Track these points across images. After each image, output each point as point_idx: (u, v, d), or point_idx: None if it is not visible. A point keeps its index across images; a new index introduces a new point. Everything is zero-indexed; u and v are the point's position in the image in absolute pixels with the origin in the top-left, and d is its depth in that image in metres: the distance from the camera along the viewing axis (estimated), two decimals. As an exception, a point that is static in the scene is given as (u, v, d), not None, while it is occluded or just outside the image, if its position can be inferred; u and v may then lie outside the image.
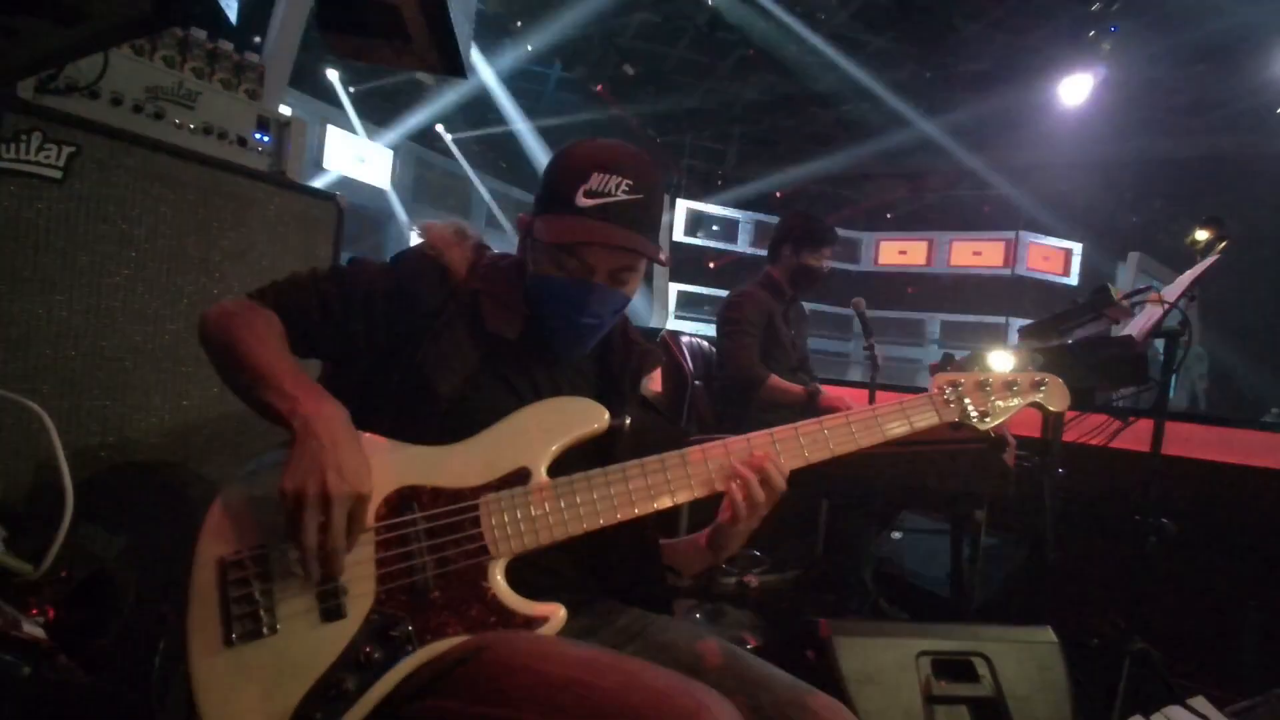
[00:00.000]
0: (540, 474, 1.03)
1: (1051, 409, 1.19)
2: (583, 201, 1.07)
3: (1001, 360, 1.20)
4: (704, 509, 1.10)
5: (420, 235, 1.18)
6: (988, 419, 1.15)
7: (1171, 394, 2.26)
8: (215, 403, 1.78)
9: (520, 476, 1.02)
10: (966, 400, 1.15)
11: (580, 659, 0.86)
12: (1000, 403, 1.16)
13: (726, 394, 2.94)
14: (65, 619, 1.24)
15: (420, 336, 1.10)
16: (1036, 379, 1.18)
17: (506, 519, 1.00)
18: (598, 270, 1.10)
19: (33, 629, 1.17)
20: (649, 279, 8.34)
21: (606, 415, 1.08)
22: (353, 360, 1.12)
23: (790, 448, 1.07)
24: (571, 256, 1.09)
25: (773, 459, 1.05)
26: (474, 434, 1.05)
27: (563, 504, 1.01)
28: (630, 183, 1.08)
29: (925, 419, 1.13)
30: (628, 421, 1.12)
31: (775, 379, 2.76)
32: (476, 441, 1.04)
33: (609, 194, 1.07)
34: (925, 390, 1.17)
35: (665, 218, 8.59)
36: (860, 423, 1.10)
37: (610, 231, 1.07)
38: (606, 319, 1.15)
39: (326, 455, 0.91)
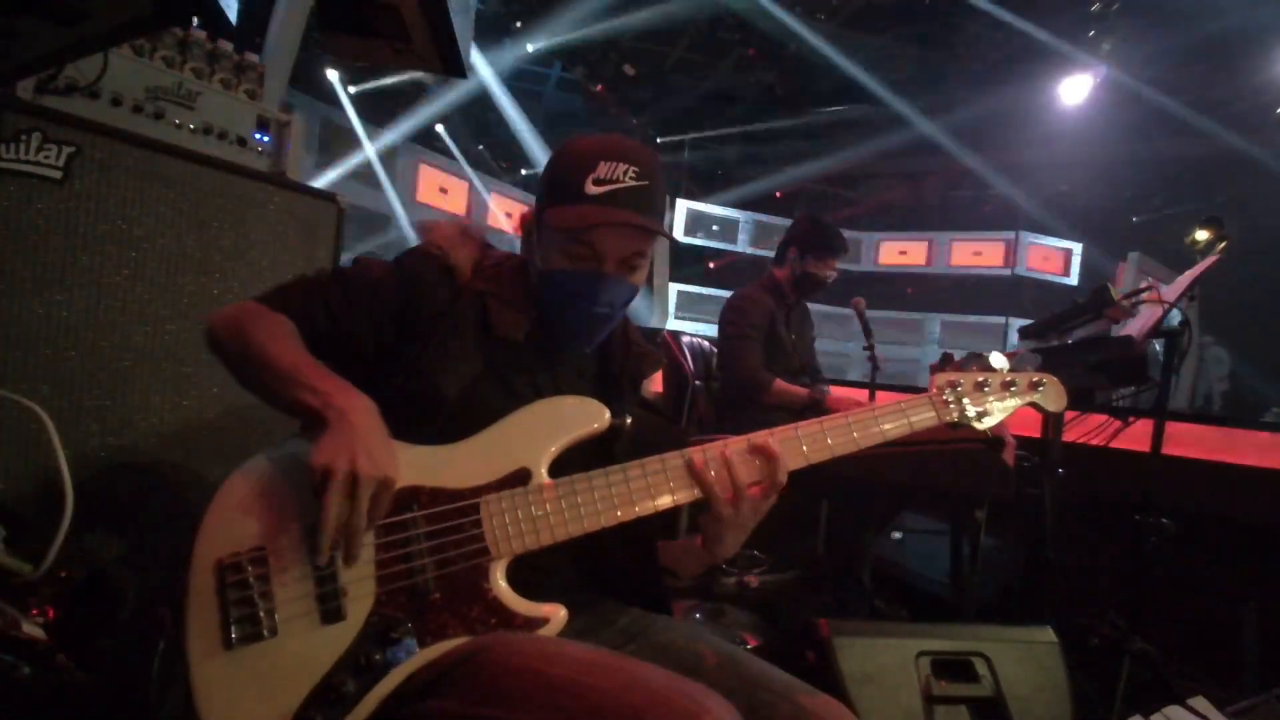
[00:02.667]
0: (541, 474, 1.03)
1: (1049, 409, 1.19)
2: (592, 189, 1.08)
3: (1000, 360, 1.20)
4: (704, 509, 1.10)
5: (422, 235, 1.17)
6: (986, 419, 1.16)
7: (1170, 394, 2.26)
8: (215, 403, 1.78)
9: (521, 476, 1.02)
10: (965, 400, 1.15)
11: (580, 660, 0.86)
12: (998, 403, 1.17)
13: (727, 395, 2.94)
14: (65, 619, 1.24)
15: (425, 338, 1.10)
16: (1035, 379, 1.18)
17: (507, 519, 1.00)
18: (608, 259, 1.11)
19: (32, 629, 1.17)
20: (649, 278, 8.35)
21: (607, 414, 1.08)
22: (358, 361, 1.12)
23: (791, 448, 1.07)
24: (582, 246, 1.10)
25: (777, 453, 1.05)
26: (475, 434, 1.05)
27: (564, 504, 1.01)
28: (636, 169, 1.09)
29: (924, 419, 1.13)
30: (628, 421, 1.12)
31: (780, 383, 2.75)
32: (477, 441, 1.04)
33: (617, 180, 1.08)
34: (925, 390, 1.17)
35: (665, 218, 8.59)
36: (860, 423, 1.10)
37: (622, 214, 1.08)
38: (618, 309, 1.16)
39: (359, 440, 0.92)
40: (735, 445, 1.06)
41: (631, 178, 1.09)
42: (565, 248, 1.11)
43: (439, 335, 1.10)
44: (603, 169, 1.08)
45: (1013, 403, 1.17)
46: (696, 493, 1.04)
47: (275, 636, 0.92)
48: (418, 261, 1.15)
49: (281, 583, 0.94)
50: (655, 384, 3.12)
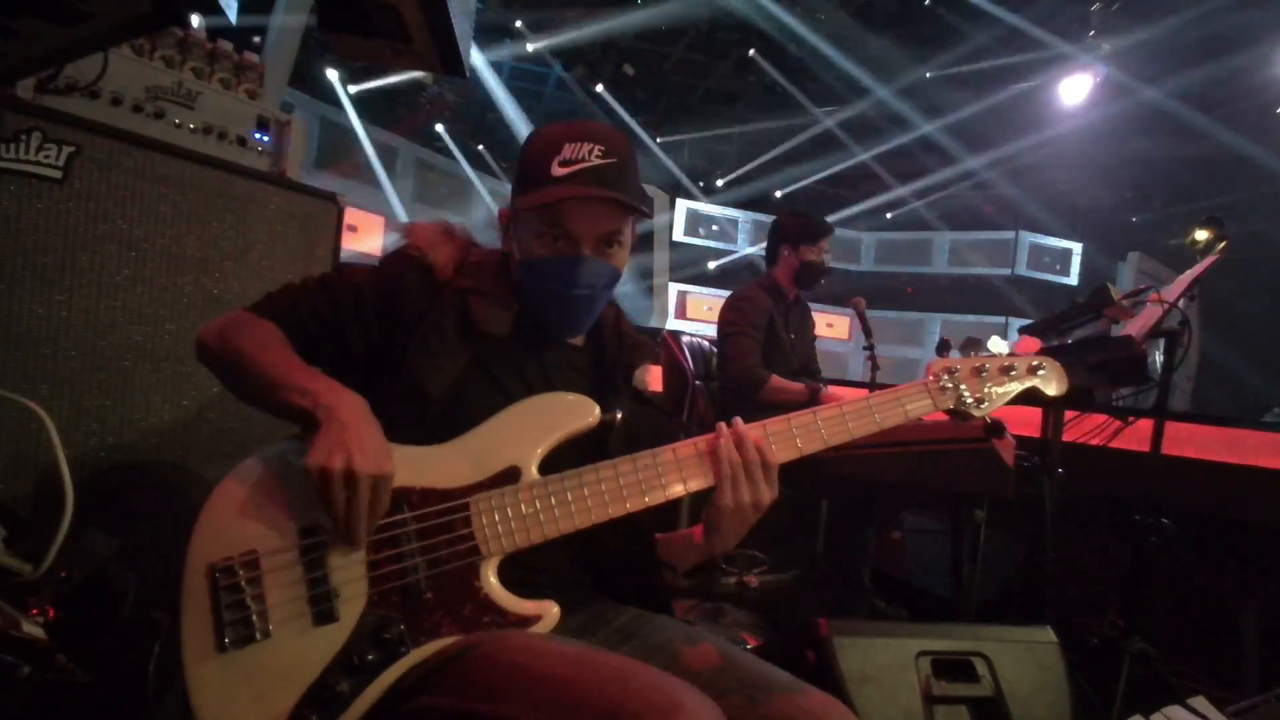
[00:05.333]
0: (531, 471, 1.02)
1: (1049, 393, 1.16)
2: (558, 170, 1.09)
3: (998, 345, 1.18)
4: (704, 503, 1.09)
5: (403, 237, 1.18)
6: (984, 405, 1.13)
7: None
8: (215, 403, 1.78)
9: (510, 475, 1.02)
10: (962, 386, 1.13)
11: (568, 656, 0.87)
12: (996, 389, 1.14)
13: (727, 394, 2.94)
14: (65, 619, 1.24)
15: (408, 338, 1.10)
16: (1034, 363, 1.16)
17: (497, 518, 1.00)
18: (584, 240, 1.11)
19: (32, 629, 1.17)
20: (648, 276, 8.34)
21: (597, 410, 1.08)
22: (349, 365, 1.12)
23: (784, 440, 1.06)
24: (556, 229, 1.10)
25: (763, 446, 1.04)
26: (465, 433, 1.05)
27: (554, 501, 1.01)
28: (602, 148, 1.10)
29: (920, 406, 1.11)
30: (619, 416, 1.12)
31: (777, 379, 2.76)
32: (467, 440, 1.04)
33: (583, 160, 1.09)
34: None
35: (665, 218, 8.59)
36: (854, 412, 1.09)
37: (589, 190, 1.08)
38: (599, 291, 1.15)
39: (351, 435, 0.93)
40: (726, 436, 1.06)
41: (598, 156, 1.09)
42: (539, 233, 1.11)
43: (421, 335, 1.10)
44: (568, 150, 1.09)
45: (1012, 387, 1.15)
46: (690, 486, 1.04)
47: (268, 638, 0.92)
48: (397, 263, 1.15)
49: (274, 585, 0.94)
50: (655, 383, 3.12)
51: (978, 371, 1.14)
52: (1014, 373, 1.15)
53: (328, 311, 1.12)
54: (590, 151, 1.09)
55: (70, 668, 1.18)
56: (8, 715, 1.10)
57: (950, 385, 1.13)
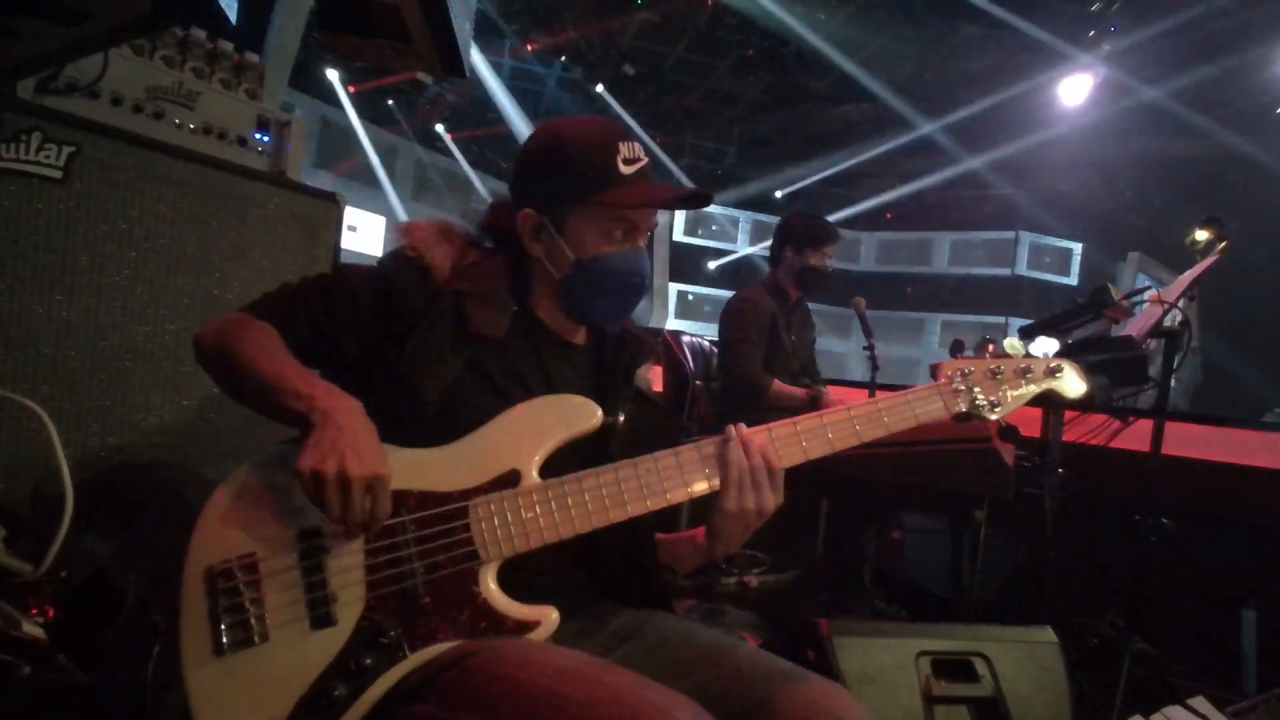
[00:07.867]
0: (531, 475, 1.01)
1: (1068, 396, 1.13)
2: (625, 169, 1.11)
3: (1014, 345, 1.16)
4: (705, 504, 1.08)
5: (401, 236, 1.16)
6: (998, 408, 1.10)
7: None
8: (215, 403, 1.78)
9: (510, 478, 1.01)
10: (976, 389, 1.10)
11: (561, 669, 0.85)
12: (1012, 391, 1.11)
13: (727, 394, 2.95)
14: (65, 619, 1.24)
15: (405, 340, 1.08)
16: (1052, 365, 1.13)
17: (496, 522, 0.99)
18: (642, 234, 1.15)
19: (32, 629, 1.17)
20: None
21: (599, 413, 1.07)
22: (345, 367, 1.12)
23: (789, 444, 1.05)
24: (625, 224, 1.13)
25: (768, 452, 1.03)
26: (463, 437, 1.04)
27: (554, 506, 1.00)
28: (642, 146, 1.14)
29: (931, 411, 1.08)
30: (621, 418, 1.11)
31: (778, 384, 2.76)
32: (467, 443, 1.03)
33: (639, 158, 1.12)
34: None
35: (664, 217, 8.60)
36: (863, 416, 1.07)
37: (662, 187, 1.15)
38: (648, 280, 1.19)
39: (345, 439, 0.92)
40: (732, 439, 1.05)
41: (643, 153, 1.13)
42: (608, 231, 1.13)
43: (417, 337, 1.08)
44: (624, 149, 1.12)
45: (1028, 390, 1.11)
46: (692, 491, 1.03)
47: (266, 642, 0.92)
48: (394, 264, 1.13)
49: (272, 589, 0.94)
50: (655, 384, 3.13)
51: (992, 374, 1.11)
52: (1030, 375, 1.12)
53: (324, 314, 1.10)
54: (638, 149, 1.13)
55: (70, 668, 1.18)
56: (8, 715, 1.10)
57: (964, 388, 1.10)
